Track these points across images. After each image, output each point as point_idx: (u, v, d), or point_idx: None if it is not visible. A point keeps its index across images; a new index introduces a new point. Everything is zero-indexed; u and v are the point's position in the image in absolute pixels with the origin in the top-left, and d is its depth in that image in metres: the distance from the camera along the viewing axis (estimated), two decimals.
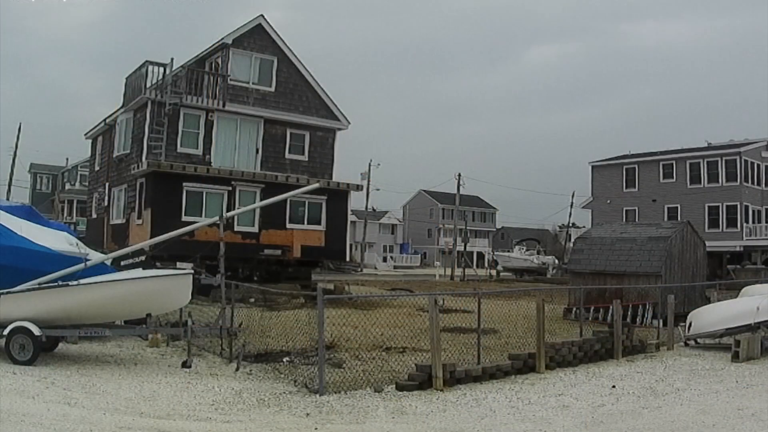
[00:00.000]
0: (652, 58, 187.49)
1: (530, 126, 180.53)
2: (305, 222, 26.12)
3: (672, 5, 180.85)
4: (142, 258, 12.35)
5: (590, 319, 17.98)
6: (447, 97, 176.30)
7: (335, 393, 9.05)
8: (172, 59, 24.46)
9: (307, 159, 27.33)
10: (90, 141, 33.19)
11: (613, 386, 10.20)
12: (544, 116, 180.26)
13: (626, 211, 45.41)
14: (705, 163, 42.77)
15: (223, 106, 25.18)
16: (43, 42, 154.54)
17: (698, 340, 14.90)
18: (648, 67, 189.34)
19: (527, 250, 68.53)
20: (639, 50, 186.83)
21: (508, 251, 72.27)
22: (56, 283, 10.48)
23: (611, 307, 14.15)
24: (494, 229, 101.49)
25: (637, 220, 42.12)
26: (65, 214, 55.72)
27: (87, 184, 38.39)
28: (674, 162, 44.20)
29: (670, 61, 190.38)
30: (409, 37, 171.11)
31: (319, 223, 26.42)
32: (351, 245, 34.09)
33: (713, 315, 14.91)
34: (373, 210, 76.92)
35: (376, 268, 70.72)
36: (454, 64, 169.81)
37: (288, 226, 25.61)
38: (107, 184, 28.67)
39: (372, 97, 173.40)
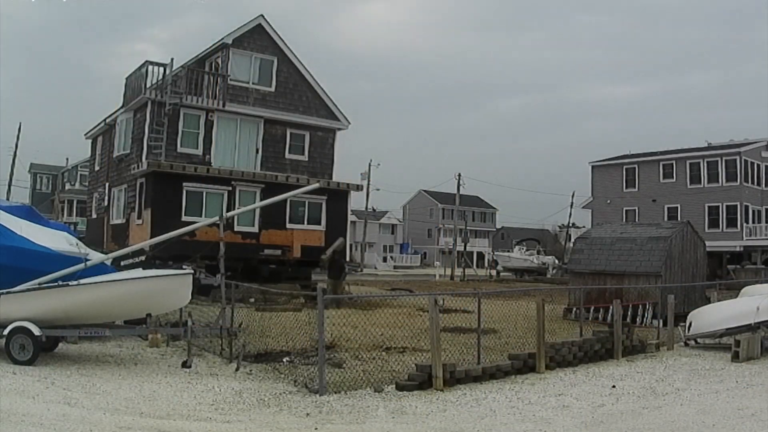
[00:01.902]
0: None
1: (530, 126, 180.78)
2: (305, 222, 26.11)
3: None
4: (142, 258, 12.35)
5: (590, 319, 17.98)
6: (448, 102, 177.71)
7: (335, 393, 9.05)
8: (172, 59, 24.51)
9: (307, 159, 27.33)
10: (90, 141, 33.20)
11: (613, 386, 10.20)
12: (545, 117, 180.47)
13: (626, 211, 45.42)
14: (705, 163, 42.78)
15: (223, 106, 25.18)
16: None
17: (698, 340, 14.90)
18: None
19: (527, 250, 68.43)
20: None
21: (508, 251, 72.18)
22: (56, 283, 10.47)
23: (611, 307, 14.15)
24: (494, 229, 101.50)
25: (637, 220, 42.14)
26: (65, 214, 55.75)
27: (87, 184, 38.39)
28: (674, 162, 44.20)
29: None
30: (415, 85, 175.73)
31: (319, 223, 26.42)
32: (351, 245, 34.10)
33: (713, 315, 14.90)
34: (373, 210, 76.93)
35: (376, 268, 70.76)
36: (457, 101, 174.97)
37: (288, 226, 25.61)
38: (107, 184, 28.67)
39: (373, 98, 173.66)
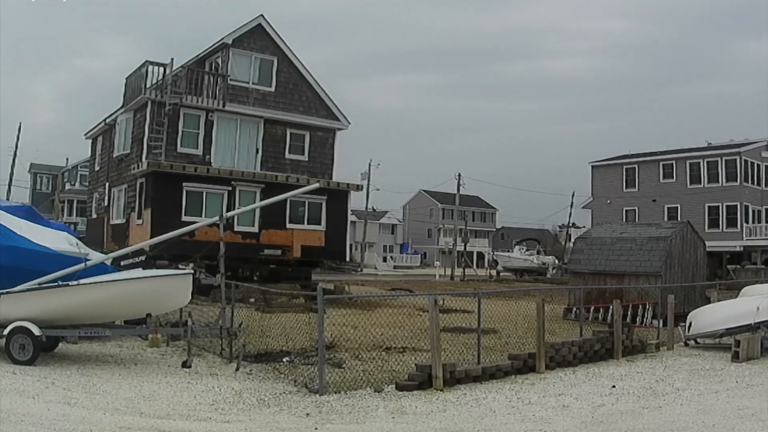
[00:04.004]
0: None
1: (531, 126, 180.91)
2: (305, 222, 26.10)
3: None
4: (142, 258, 12.36)
5: (590, 319, 17.99)
6: (448, 103, 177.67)
7: (335, 393, 9.05)
8: (172, 59, 24.45)
9: (307, 159, 27.30)
10: (90, 141, 33.19)
11: (613, 386, 10.20)
12: (545, 117, 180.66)
13: (626, 211, 45.43)
14: (705, 163, 42.78)
15: (223, 106, 25.17)
16: None
17: (698, 340, 14.90)
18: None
19: (527, 250, 68.35)
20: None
21: (508, 251, 72.11)
22: (56, 283, 10.47)
23: (611, 307, 14.16)
24: (494, 229, 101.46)
25: (637, 220, 42.14)
26: (65, 214, 55.75)
27: (87, 184, 38.37)
28: (674, 162, 44.21)
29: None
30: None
31: (319, 223, 26.41)
32: (351, 245, 34.10)
33: (713, 315, 14.90)
34: (373, 210, 76.89)
35: (376, 268, 70.71)
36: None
37: (288, 226, 25.59)
38: (107, 184, 28.67)
39: (373, 97, 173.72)
